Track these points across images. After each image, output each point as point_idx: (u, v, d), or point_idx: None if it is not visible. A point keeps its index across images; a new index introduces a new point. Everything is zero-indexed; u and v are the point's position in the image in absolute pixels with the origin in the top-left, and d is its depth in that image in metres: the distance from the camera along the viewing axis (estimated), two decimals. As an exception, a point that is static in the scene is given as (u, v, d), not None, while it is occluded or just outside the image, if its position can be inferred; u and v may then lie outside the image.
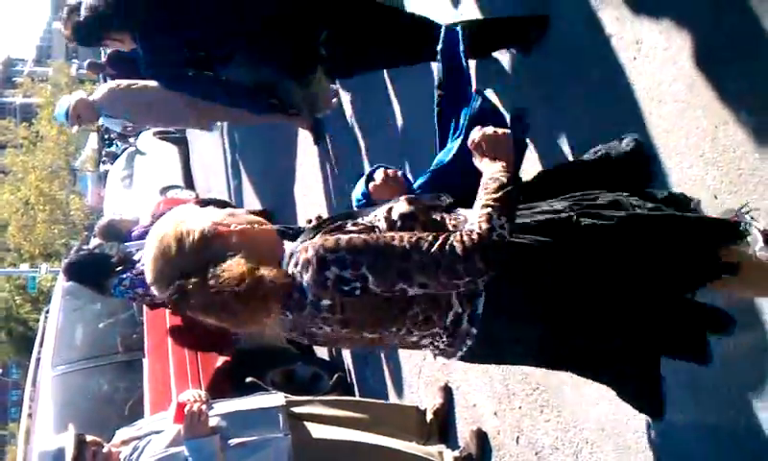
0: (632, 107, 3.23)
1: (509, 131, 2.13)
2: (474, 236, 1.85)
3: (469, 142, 2.10)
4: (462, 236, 1.86)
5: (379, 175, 2.46)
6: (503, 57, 4.15)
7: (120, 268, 5.16)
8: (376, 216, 2.01)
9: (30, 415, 6.01)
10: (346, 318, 1.94)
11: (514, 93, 4.05)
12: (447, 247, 1.85)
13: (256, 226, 2.02)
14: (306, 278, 1.88)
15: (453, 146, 2.50)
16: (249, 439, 3.75)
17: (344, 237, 1.88)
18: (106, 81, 15.63)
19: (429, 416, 4.42)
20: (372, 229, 1.96)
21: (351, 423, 4.06)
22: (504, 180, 1.97)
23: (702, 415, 2.83)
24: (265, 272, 1.87)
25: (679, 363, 2.31)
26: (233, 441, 3.73)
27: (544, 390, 3.68)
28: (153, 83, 6.10)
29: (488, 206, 1.91)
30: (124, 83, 6.19)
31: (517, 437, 3.85)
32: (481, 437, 4.10)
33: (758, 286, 2.45)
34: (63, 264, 5.75)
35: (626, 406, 3.13)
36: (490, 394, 4.07)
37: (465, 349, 2.09)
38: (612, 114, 3.39)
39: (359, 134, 5.98)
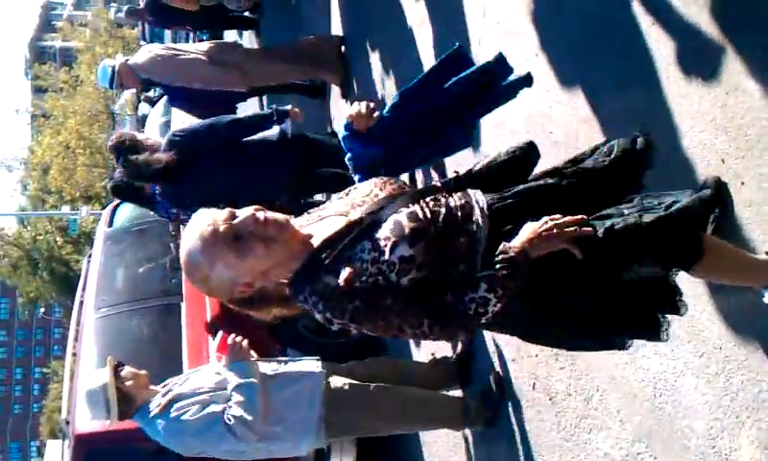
0: (649, 71, 3.34)
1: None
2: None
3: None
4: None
5: (354, 107, 2.63)
6: (525, 20, 4.26)
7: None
8: (381, 240, 2.11)
9: (74, 354, 6.32)
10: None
11: (534, 59, 4.16)
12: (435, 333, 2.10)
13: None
14: (315, 313, 2.12)
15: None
16: (287, 370, 4.02)
17: (349, 307, 2.06)
18: (144, 27, 15.90)
19: (452, 360, 4.64)
20: (377, 280, 2.07)
21: (382, 379, 4.30)
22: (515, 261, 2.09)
23: (703, 367, 2.99)
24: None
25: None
26: (272, 371, 3.99)
27: (559, 340, 3.85)
28: (192, 46, 6.37)
29: (493, 287, 2.07)
30: (166, 51, 6.36)
31: (533, 383, 4.04)
32: (500, 381, 4.31)
33: (723, 273, 2.65)
34: (109, 186, 6.04)
35: (635, 359, 3.34)
36: (509, 342, 4.26)
37: None
38: (632, 78, 3.50)
39: (385, 89, 6.12)
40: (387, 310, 2.06)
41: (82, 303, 6.71)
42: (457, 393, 4.46)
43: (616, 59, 3.60)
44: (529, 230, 2.14)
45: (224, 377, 3.96)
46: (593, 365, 3.63)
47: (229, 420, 3.80)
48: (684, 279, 2.49)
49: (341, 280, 2.04)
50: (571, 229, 2.12)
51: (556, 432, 3.86)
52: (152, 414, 3.91)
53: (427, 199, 2.22)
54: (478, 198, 2.29)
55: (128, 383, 3.98)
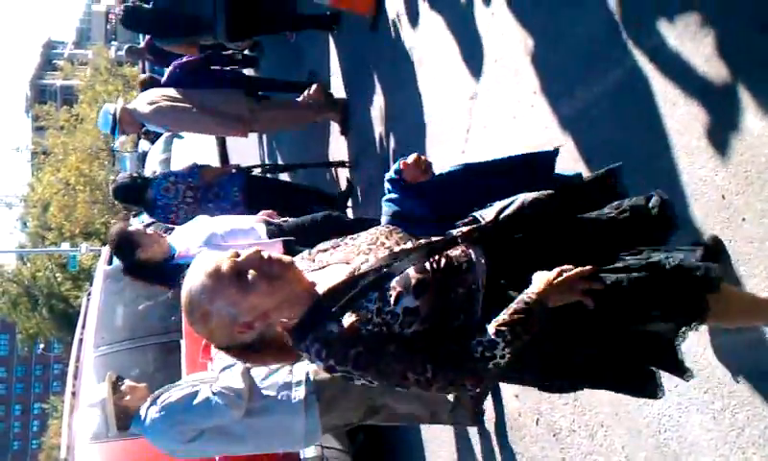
0: (648, 108, 3.36)
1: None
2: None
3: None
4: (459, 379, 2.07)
5: (412, 157, 2.63)
6: (522, 58, 4.29)
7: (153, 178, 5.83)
8: (388, 291, 2.08)
9: (73, 393, 6.28)
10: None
11: (531, 96, 4.19)
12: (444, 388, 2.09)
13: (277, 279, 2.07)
14: (316, 362, 2.07)
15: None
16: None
17: (352, 352, 2.01)
18: (144, 65, 15.98)
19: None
20: (381, 330, 2.04)
21: None
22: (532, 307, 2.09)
23: (708, 403, 2.98)
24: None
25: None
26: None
27: (562, 377, 3.84)
28: (194, 95, 6.46)
29: (502, 331, 2.05)
30: (166, 101, 6.40)
31: (537, 419, 4.02)
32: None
33: (730, 320, 2.67)
34: (111, 189, 6.35)
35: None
36: (511, 379, 4.24)
37: None
38: (630, 115, 3.52)
39: (384, 126, 6.16)
40: (390, 356, 2.02)
41: (81, 340, 6.68)
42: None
43: (614, 96, 3.62)
44: (543, 280, 2.13)
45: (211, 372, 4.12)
46: (597, 401, 3.61)
47: (217, 389, 3.93)
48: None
49: (344, 325, 2.02)
50: (584, 283, 2.12)
51: (560, 470, 3.84)
52: (143, 411, 4.02)
53: (434, 253, 2.20)
54: (476, 251, 2.27)
55: (126, 399, 4.10)
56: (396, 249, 2.21)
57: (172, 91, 6.49)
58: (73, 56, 48.37)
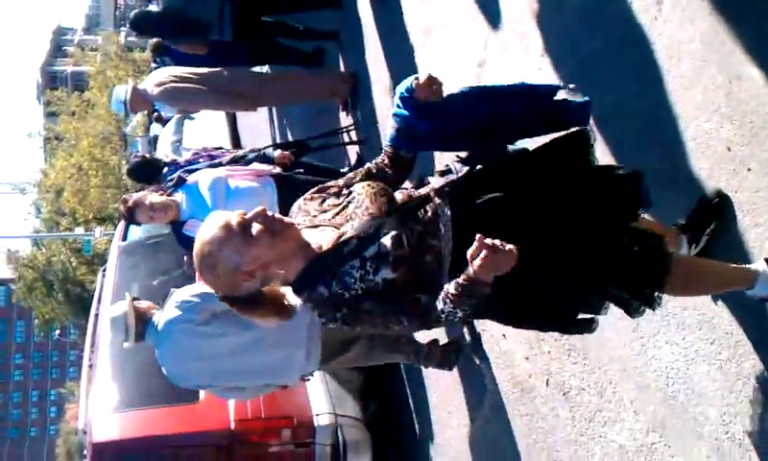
0: (652, 65, 3.37)
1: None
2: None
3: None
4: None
5: (424, 76, 2.69)
6: (529, 21, 4.30)
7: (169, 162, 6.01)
8: (368, 261, 2.30)
9: (90, 366, 6.36)
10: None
11: (538, 59, 4.20)
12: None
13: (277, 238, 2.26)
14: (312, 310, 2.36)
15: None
16: None
17: (338, 315, 2.31)
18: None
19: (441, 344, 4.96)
20: (363, 292, 2.29)
21: None
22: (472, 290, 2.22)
23: (714, 353, 3.01)
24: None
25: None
26: None
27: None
28: (203, 72, 6.51)
29: (454, 302, 2.26)
30: (174, 82, 6.43)
31: (547, 380, 4.06)
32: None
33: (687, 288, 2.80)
34: (126, 169, 6.56)
35: (646, 349, 3.35)
36: (521, 340, 4.28)
37: None
38: (634, 73, 3.53)
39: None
40: (369, 313, 2.32)
41: (96, 316, 6.77)
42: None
43: (619, 52, 3.63)
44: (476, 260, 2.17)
45: None
46: (605, 358, 3.65)
47: None
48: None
49: (332, 291, 2.28)
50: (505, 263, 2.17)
51: (571, 427, 3.88)
52: (156, 316, 4.32)
53: (410, 222, 2.40)
54: (445, 211, 2.45)
55: (143, 306, 4.41)
56: (376, 214, 2.38)
57: (179, 70, 6.52)
58: (83, 42, 48.40)
